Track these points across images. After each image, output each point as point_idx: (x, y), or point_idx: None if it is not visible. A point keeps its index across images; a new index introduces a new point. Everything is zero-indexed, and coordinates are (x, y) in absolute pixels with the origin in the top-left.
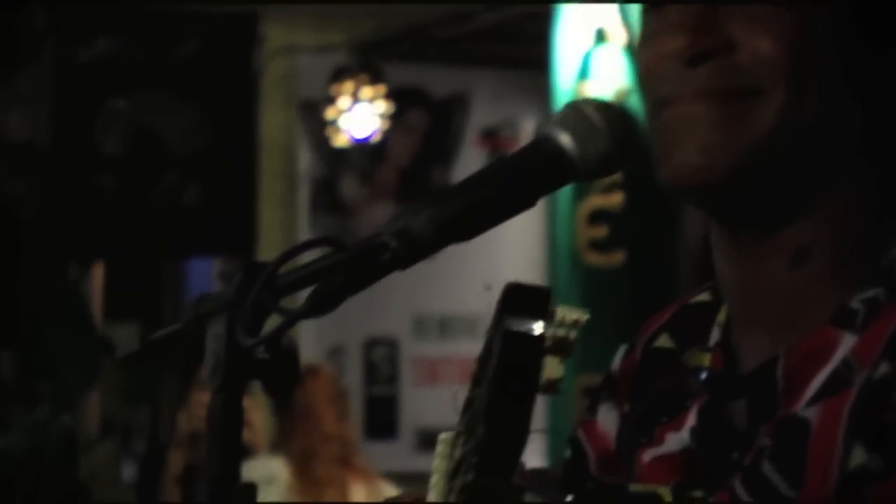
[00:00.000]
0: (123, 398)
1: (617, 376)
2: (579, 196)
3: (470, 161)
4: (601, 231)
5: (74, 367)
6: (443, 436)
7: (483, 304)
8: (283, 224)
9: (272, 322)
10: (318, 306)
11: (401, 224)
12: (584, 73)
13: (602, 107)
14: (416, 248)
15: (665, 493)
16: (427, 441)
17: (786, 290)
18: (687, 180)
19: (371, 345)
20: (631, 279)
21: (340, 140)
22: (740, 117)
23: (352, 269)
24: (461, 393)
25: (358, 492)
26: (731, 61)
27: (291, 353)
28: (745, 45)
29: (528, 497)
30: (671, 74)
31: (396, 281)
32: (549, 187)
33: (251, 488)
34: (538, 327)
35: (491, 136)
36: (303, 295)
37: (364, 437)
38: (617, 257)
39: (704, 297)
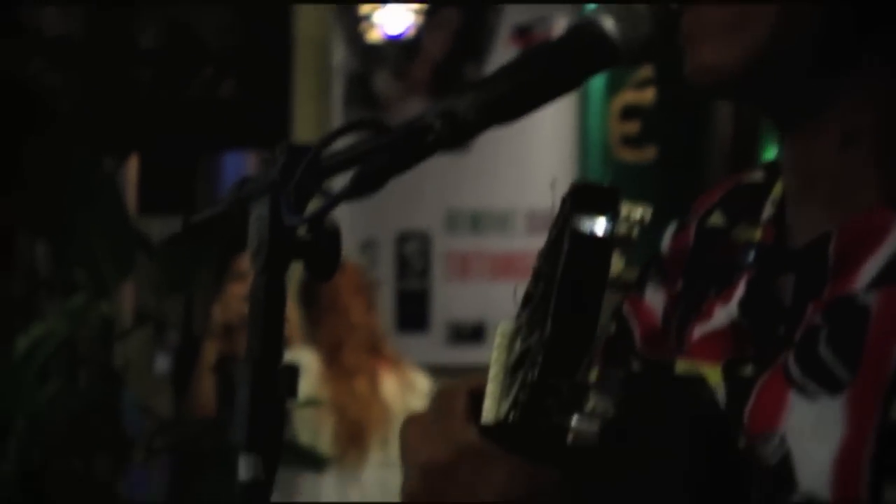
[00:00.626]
0: (157, 290)
1: (666, 255)
2: (612, 92)
3: (503, 58)
4: (633, 126)
5: (109, 258)
6: (501, 327)
7: (515, 199)
8: (317, 118)
9: (315, 206)
10: (361, 187)
11: (445, 106)
12: None
13: None
14: (459, 129)
15: (712, 373)
16: (458, 334)
17: (838, 170)
18: (704, 79)
19: (403, 239)
20: (662, 174)
21: (374, 35)
22: (746, 12)
23: (395, 149)
24: (521, 287)
25: (388, 380)
26: None
27: (334, 235)
28: None
29: (592, 395)
30: None
31: (429, 176)
32: (591, 70)
33: (293, 370)
34: (607, 228)
35: (524, 34)
36: (345, 177)
37: (396, 330)
38: (649, 152)
39: (758, 175)
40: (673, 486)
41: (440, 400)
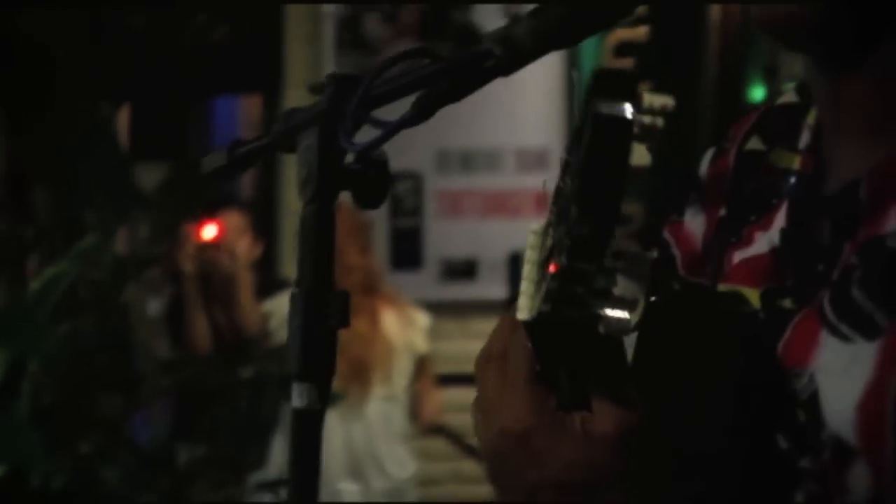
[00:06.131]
0: (153, 235)
1: (706, 180)
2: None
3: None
4: (627, 63)
5: (109, 202)
6: (533, 227)
7: (504, 138)
8: (309, 62)
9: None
10: (422, 113)
11: (503, 32)
12: None
13: None
14: (519, 54)
15: (752, 295)
16: (450, 271)
17: (875, 100)
18: (776, 25)
19: (395, 178)
20: None
21: None
22: None
23: (455, 76)
24: (550, 182)
25: (388, 317)
26: None
27: (382, 165)
28: None
29: (620, 281)
30: None
31: None
32: None
33: (344, 297)
34: (626, 108)
35: None
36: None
37: (390, 268)
38: (643, 88)
39: (791, 97)
40: (713, 398)
41: (514, 349)
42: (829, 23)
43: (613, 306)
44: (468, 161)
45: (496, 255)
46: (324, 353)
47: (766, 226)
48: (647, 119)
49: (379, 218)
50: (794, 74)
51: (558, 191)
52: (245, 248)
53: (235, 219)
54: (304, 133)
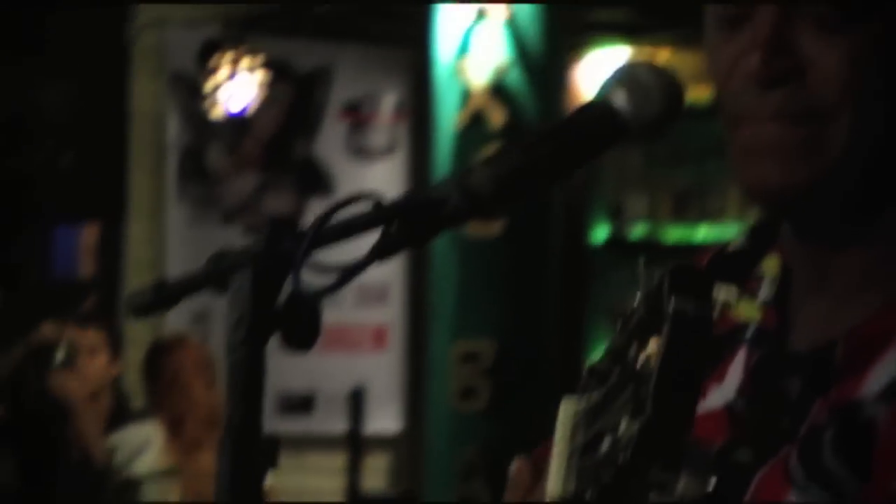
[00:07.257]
0: None
1: None
2: (457, 165)
3: (332, 134)
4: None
5: None
6: (566, 404)
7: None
8: (152, 191)
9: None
10: (380, 257)
11: (459, 179)
12: (464, 49)
13: (654, 69)
14: (476, 202)
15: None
16: (288, 406)
17: (855, 265)
18: (765, 196)
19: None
20: (508, 248)
21: (217, 112)
22: (813, 139)
23: (413, 221)
24: (593, 363)
25: None
26: (803, 84)
27: (313, 306)
28: (815, 65)
29: (685, 477)
30: (746, 94)
31: None
32: (602, 146)
33: (274, 441)
34: (707, 308)
35: (353, 110)
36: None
37: None
38: (495, 227)
39: (741, 243)
40: None
41: None
42: (826, 199)
43: (667, 498)
44: None
45: (335, 388)
46: (252, 495)
47: (719, 378)
48: None
49: (218, 350)
50: (639, 213)
51: (602, 374)
52: (100, 368)
53: (90, 337)
54: (237, 275)
